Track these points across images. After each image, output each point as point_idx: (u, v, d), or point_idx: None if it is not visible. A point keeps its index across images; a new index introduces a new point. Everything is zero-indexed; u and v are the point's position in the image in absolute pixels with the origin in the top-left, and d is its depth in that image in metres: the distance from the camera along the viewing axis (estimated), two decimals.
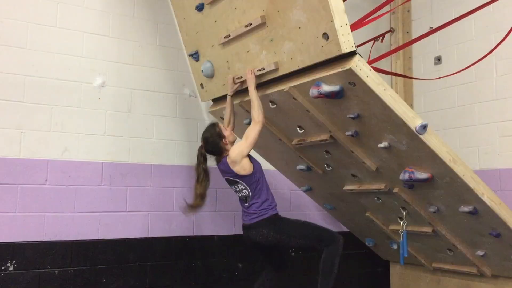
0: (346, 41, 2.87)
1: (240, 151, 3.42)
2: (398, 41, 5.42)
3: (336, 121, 3.46)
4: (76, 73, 4.08)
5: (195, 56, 4.13)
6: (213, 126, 3.60)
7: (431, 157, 3.24)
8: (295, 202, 4.99)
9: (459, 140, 4.86)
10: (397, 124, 3.12)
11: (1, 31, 3.83)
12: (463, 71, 4.34)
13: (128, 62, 4.32)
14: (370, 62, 4.16)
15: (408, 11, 5.46)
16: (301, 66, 3.21)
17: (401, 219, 3.99)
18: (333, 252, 3.48)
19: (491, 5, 4.10)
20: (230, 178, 3.53)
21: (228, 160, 3.45)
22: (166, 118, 4.45)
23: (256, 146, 4.43)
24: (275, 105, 3.65)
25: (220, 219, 4.56)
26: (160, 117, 4.43)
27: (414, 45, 5.15)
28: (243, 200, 3.55)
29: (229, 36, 3.64)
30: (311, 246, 3.52)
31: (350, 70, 2.90)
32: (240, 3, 3.48)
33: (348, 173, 3.95)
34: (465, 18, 4.03)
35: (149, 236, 4.26)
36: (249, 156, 3.50)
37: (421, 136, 3.11)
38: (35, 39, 3.94)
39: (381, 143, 3.36)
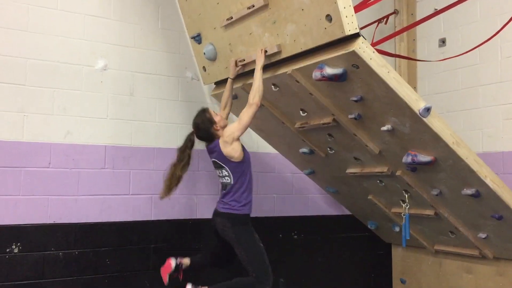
0: (350, 23, 2.84)
1: (231, 133, 3.41)
2: (402, 23, 5.37)
3: (339, 104, 3.45)
4: (77, 56, 4.06)
5: (197, 38, 4.11)
6: (203, 112, 3.58)
7: (434, 140, 3.23)
8: (298, 185, 5.00)
9: (462, 123, 4.84)
10: (401, 106, 3.11)
11: (2, 14, 3.80)
12: (467, 54, 4.30)
13: (130, 45, 4.30)
14: (373, 45, 4.13)
15: None
16: (304, 48, 3.18)
17: (404, 202, 4.00)
18: (251, 285, 3.39)
19: None
20: (217, 161, 3.51)
21: (221, 140, 3.44)
22: (168, 101, 4.44)
23: (259, 129, 4.45)
24: (277, 88, 3.63)
25: None
26: (162, 100, 4.42)
27: (418, 27, 5.10)
28: (223, 187, 3.55)
29: (232, 18, 3.61)
30: (246, 267, 3.42)
31: (354, 52, 2.88)
32: None
33: (351, 156, 3.95)
34: (470, 0, 3.98)
35: (152, 219, 4.28)
36: (242, 146, 3.49)
37: (424, 119, 3.10)
38: (36, 21, 3.92)
39: (384, 126, 3.35)
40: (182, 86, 4.50)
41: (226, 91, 3.78)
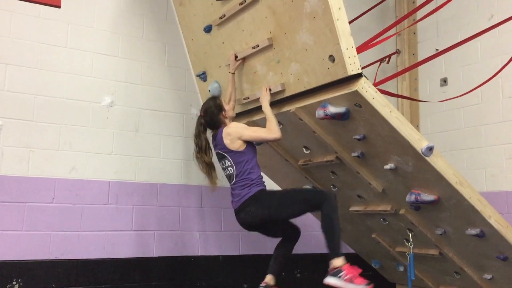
0: (352, 64, 2.89)
1: (240, 134, 3.35)
2: (404, 63, 5.46)
3: (342, 142, 3.47)
4: (85, 92, 4.14)
5: (203, 76, 4.18)
6: (214, 99, 3.56)
7: (437, 179, 3.23)
8: (301, 222, 4.94)
9: (466, 162, 4.85)
10: (403, 145, 3.13)
11: (13, 51, 3.90)
12: (469, 93, 4.35)
13: (136, 82, 4.38)
14: (376, 84, 4.19)
15: (414, 33, 5.50)
16: (308, 87, 3.23)
17: (408, 241, 3.97)
18: (328, 210, 3.20)
19: (497, 28, 4.13)
20: (220, 151, 3.45)
21: (224, 130, 3.39)
22: (173, 138, 4.48)
23: (262, 165, 4.45)
24: (281, 126, 3.66)
25: (226, 239, 4.55)
26: (167, 137, 4.46)
27: (420, 67, 5.18)
28: (228, 179, 3.47)
29: (236, 57, 3.69)
30: (304, 211, 3.33)
31: (356, 92, 2.92)
32: (248, 25, 3.54)
33: (354, 194, 3.94)
34: (470, 41, 4.06)
35: (154, 255, 4.25)
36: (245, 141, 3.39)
37: (427, 158, 3.11)
38: (46, 59, 4.01)
39: (387, 164, 3.36)
40: (187, 122, 4.55)
41: (229, 85, 3.74)
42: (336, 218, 3.22)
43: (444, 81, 5.18)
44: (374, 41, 4.09)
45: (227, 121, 3.50)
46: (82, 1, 4.19)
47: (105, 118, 4.20)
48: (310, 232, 5.01)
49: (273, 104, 3.58)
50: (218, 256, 4.50)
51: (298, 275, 4.87)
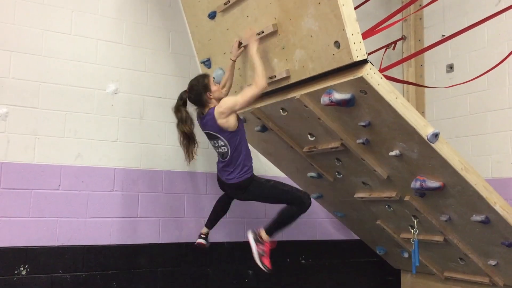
0: (358, 50, 2.88)
1: (232, 105, 3.34)
2: (410, 49, 5.42)
3: (347, 128, 3.47)
4: (89, 79, 4.14)
5: (207, 63, 4.16)
6: (203, 77, 3.54)
7: (442, 166, 3.22)
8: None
9: (471, 149, 4.83)
10: (409, 132, 3.12)
11: (17, 38, 3.90)
12: (475, 79, 4.32)
13: (141, 69, 4.37)
14: (381, 70, 4.16)
15: (420, 19, 5.45)
16: (313, 74, 3.22)
17: (412, 227, 3.97)
18: (297, 209, 3.53)
19: (504, 13, 4.08)
20: (211, 132, 3.45)
21: (216, 110, 3.37)
22: None
23: (267, 152, 4.46)
24: (286, 113, 3.66)
25: (231, 226, 4.56)
26: (171, 124, 4.42)
27: (426, 53, 5.14)
28: (221, 156, 3.52)
29: (241, 43, 3.67)
30: (281, 203, 3.57)
31: (361, 78, 2.91)
32: (252, 11, 3.51)
33: (359, 181, 3.95)
34: (477, 27, 4.02)
35: (160, 242, 4.28)
36: (237, 115, 3.45)
37: (432, 145, 3.10)
38: (50, 46, 4.01)
39: (392, 151, 3.35)
40: (191, 109, 4.54)
41: (228, 71, 3.73)
42: (295, 217, 3.56)
43: (450, 67, 5.15)
44: (380, 27, 4.06)
45: (212, 101, 3.46)
46: None
47: (109, 105, 4.21)
48: (315, 219, 5.04)
49: (278, 91, 3.58)
50: (223, 242, 4.52)
51: (303, 261, 4.90)
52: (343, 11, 2.84)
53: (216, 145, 3.49)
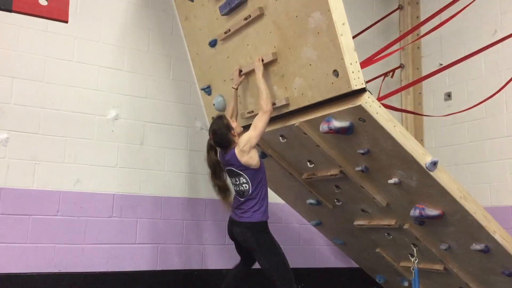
0: (356, 78, 2.91)
1: (248, 140, 3.33)
2: (408, 77, 5.47)
3: (346, 156, 3.48)
4: (90, 106, 4.17)
5: (207, 90, 4.20)
6: (220, 118, 3.53)
7: (441, 194, 3.22)
8: (305, 236, 4.96)
9: (470, 177, 4.84)
10: (407, 160, 3.13)
11: (20, 65, 3.94)
12: (473, 108, 4.35)
13: (141, 95, 4.41)
14: (380, 98, 4.20)
15: (418, 47, 5.52)
16: (312, 102, 3.25)
17: (412, 256, 3.95)
18: None
19: (500, 43, 4.15)
20: (234, 169, 3.42)
21: (237, 150, 3.36)
22: (177, 151, 4.50)
23: (267, 179, 4.46)
24: (285, 140, 3.68)
25: (229, 253, 4.52)
26: (171, 150, 4.48)
27: (424, 81, 5.19)
28: (240, 194, 3.44)
29: (241, 71, 3.71)
30: (269, 274, 3.36)
31: (360, 106, 2.94)
32: (252, 40, 3.57)
33: (358, 208, 3.94)
34: (474, 56, 4.07)
35: (157, 269, 4.24)
36: (258, 155, 3.43)
37: (431, 173, 3.11)
38: (52, 72, 4.05)
39: (391, 179, 3.36)
40: (191, 135, 4.57)
41: (232, 100, 3.75)
42: None
43: (448, 96, 5.19)
44: (378, 56, 4.11)
45: (236, 138, 3.45)
46: (89, 16, 4.24)
47: (110, 131, 4.23)
48: (314, 246, 5.01)
49: (277, 118, 3.61)
50: (222, 269, 4.48)
51: None
52: (342, 41, 2.89)
53: (237, 182, 3.45)
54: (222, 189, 3.49)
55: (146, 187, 4.32)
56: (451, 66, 4.11)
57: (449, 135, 5.11)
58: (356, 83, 2.91)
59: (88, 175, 4.09)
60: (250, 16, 3.48)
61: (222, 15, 3.69)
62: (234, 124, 3.51)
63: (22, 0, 2.60)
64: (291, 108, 3.44)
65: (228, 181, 3.52)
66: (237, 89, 3.73)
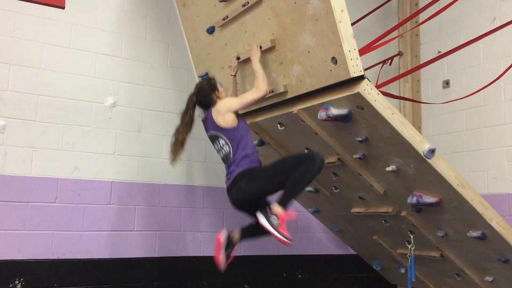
0: (355, 66, 2.91)
1: (229, 105, 3.30)
2: (407, 65, 5.46)
3: (344, 143, 3.48)
4: (88, 93, 4.15)
5: (205, 77, 4.18)
6: (209, 79, 3.53)
7: (439, 181, 3.24)
8: (302, 223, 4.98)
9: (467, 164, 4.85)
10: (405, 148, 3.14)
11: (17, 51, 3.92)
12: (471, 95, 4.35)
13: (139, 82, 4.39)
14: (378, 86, 4.19)
15: (417, 35, 5.50)
16: (310, 89, 3.24)
17: (409, 243, 3.97)
18: (309, 169, 3.07)
19: (499, 30, 4.13)
20: (212, 132, 3.39)
21: (214, 110, 3.35)
22: None
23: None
24: (283, 127, 3.68)
25: None
26: (169, 137, 4.42)
27: (423, 69, 5.18)
28: (225, 161, 3.37)
29: (239, 58, 3.70)
30: (294, 176, 3.08)
31: (358, 94, 2.93)
32: (250, 27, 3.55)
33: (356, 196, 3.95)
34: (473, 44, 4.06)
35: (156, 255, 4.26)
36: (239, 115, 3.37)
37: (429, 160, 3.12)
38: (49, 59, 4.02)
39: (389, 166, 3.37)
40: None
41: (230, 88, 3.72)
42: (309, 176, 3.10)
43: (447, 83, 5.18)
44: (377, 43, 4.10)
45: (218, 101, 3.40)
46: (85, 2, 4.21)
47: (107, 118, 4.21)
48: (312, 233, 5.03)
49: (275, 106, 3.60)
50: None
51: (299, 276, 4.88)
52: (340, 28, 2.88)
53: (218, 147, 3.38)
54: (177, 142, 3.39)
55: (144, 174, 4.31)
56: (449, 54, 4.10)
57: (447, 123, 5.12)
58: (355, 70, 2.91)
59: (86, 162, 4.09)
60: (248, 2, 3.45)
61: (220, 1, 3.66)
62: (221, 88, 3.48)
63: None
64: (290, 95, 3.43)
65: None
66: (235, 76, 3.72)
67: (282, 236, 2.98)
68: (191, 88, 4.53)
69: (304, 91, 3.29)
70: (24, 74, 3.92)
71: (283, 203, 3.08)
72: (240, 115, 3.43)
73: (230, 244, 3.34)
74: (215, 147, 3.44)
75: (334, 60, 2.98)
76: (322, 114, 3.19)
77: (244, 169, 3.21)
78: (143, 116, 4.37)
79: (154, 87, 4.45)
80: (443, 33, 5.26)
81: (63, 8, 2.76)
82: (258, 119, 3.79)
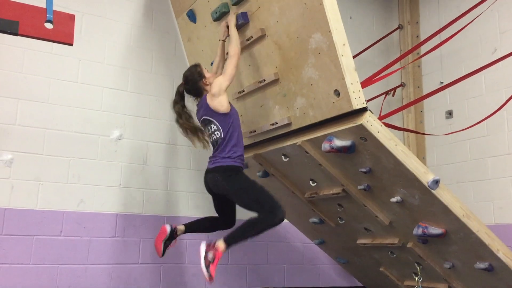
0: (357, 98, 2.95)
1: (219, 84, 3.35)
2: (409, 95, 5.51)
3: (348, 174, 3.49)
4: (94, 126, 4.20)
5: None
6: (195, 66, 3.57)
7: (444, 212, 3.23)
8: (308, 255, 4.94)
9: (473, 194, 4.84)
10: (409, 178, 3.14)
11: (25, 86, 3.99)
12: (474, 126, 4.38)
13: (144, 115, 4.45)
14: (381, 117, 4.23)
15: (419, 66, 5.57)
16: (313, 121, 3.28)
17: (416, 274, 3.93)
18: (266, 220, 3.22)
19: (500, 61, 4.18)
20: (205, 117, 3.43)
21: (208, 95, 3.40)
22: (180, 170, 4.52)
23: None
24: (288, 158, 3.70)
25: (232, 273, 4.53)
26: (174, 169, 4.50)
27: (425, 100, 5.22)
28: (214, 144, 3.45)
29: (243, 91, 3.75)
30: (253, 210, 3.26)
31: (361, 125, 2.96)
32: (254, 61, 3.62)
33: (361, 227, 3.93)
34: (475, 75, 4.11)
35: None
36: (230, 103, 3.44)
37: (433, 191, 3.12)
38: (57, 93, 4.09)
39: (393, 197, 3.37)
40: (194, 155, 4.59)
41: (218, 55, 3.75)
42: (262, 228, 3.25)
43: (450, 114, 5.22)
44: (379, 76, 4.15)
45: (208, 87, 3.47)
46: (93, 38, 4.30)
47: (113, 151, 4.25)
48: (317, 265, 4.99)
49: (280, 137, 3.63)
50: None
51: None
52: (342, 61, 2.93)
53: (210, 131, 3.45)
54: (191, 130, 3.51)
55: (149, 206, 4.32)
56: (451, 85, 4.14)
57: (451, 153, 5.12)
58: (357, 102, 2.95)
59: (92, 195, 4.10)
60: (252, 37, 3.53)
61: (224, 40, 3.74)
62: (208, 74, 3.53)
63: (29, 24, 2.66)
64: (293, 127, 3.47)
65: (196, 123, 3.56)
66: (224, 40, 3.73)
67: (207, 272, 3.12)
68: (196, 120, 4.63)
69: (308, 123, 3.33)
70: (32, 108, 3.98)
71: (229, 241, 3.23)
72: (231, 104, 3.48)
73: (172, 236, 3.48)
74: (206, 131, 3.53)
75: (336, 93, 3.02)
76: (326, 146, 3.21)
77: (229, 165, 3.33)
78: (148, 149, 4.41)
79: (159, 119, 4.51)
80: (445, 64, 5.32)
81: (72, 45, 2.83)
82: (263, 150, 3.81)
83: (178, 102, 3.57)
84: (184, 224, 3.59)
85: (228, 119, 3.38)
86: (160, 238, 3.45)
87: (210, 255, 3.14)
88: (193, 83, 3.51)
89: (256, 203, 3.27)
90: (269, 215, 3.22)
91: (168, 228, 3.46)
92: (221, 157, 3.35)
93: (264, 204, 3.25)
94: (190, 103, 3.65)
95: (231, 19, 3.56)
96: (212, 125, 3.41)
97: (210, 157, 3.47)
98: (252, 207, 3.29)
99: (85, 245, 4.00)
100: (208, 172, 3.45)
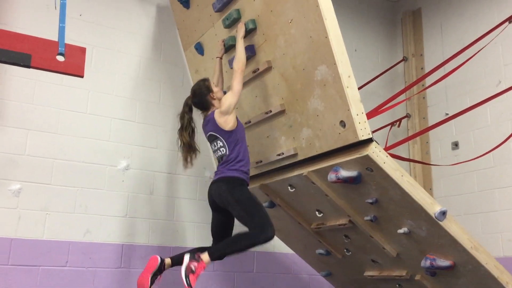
0: (363, 129, 2.97)
1: (229, 102, 3.37)
2: (415, 127, 5.52)
3: (354, 205, 3.48)
4: (102, 156, 4.24)
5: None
6: (203, 81, 3.60)
7: (452, 244, 3.20)
8: (315, 287, 4.88)
9: (481, 226, 4.79)
10: (416, 210, 3.13)
11: (35, 117, 4.05)
12: (481, 157, 4.37)
13: (152, 145, 4.49)
14: (387, 148, 4.24)
15: (424, 97, 5.60)
16: (319, 152, 3.30)
17: None
18: (254, 237, 3.21)
19: (505, 93, 4.21)
20: (212, 133, 3.45)
21: (216, 111, 3.42)
22: (187, 200, 4.52)
23: (275, 228, 4.44)
24: (294, 189, 3.70)
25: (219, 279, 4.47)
26: (181, 199, 4.51)
27: (431, 131, 5.24)
28: (219, 160, 3.46)
29: (249, 122, 3.79)
30: (247, 225, 3.25)
31: (367, 156, 2.98)
32: (261, 92, 3.67)
33: (368, 258, 3.90)
34: (480, 106, 4.13)
35: None
36: (236, 118, 3.46)
37: (440, 223, 3.10)
38: (66, 124, 4.15)
39: (400, 228, 3.35)
40: (201, 185, 4.60)
41: (217, 69, 3.81)
42: (249, 244, 3.24)
43: (456, 145, 5.22)
44: (384, 107, 4.19)
45: (215, 102, 3.50)
46: (103, 70, 4.39)
47: (120, 181, 4.28)
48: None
49: (286, 168, 3.64)
50: None
51: None
52: (348, 93, 2.97)
53: (216, 148, 3.47)
54: (186, 145, 3.51)
55: (155, 237, 4.32)
56: (457, 116, 4.16)
57: (458, 184, 5.10)
58: (363, 133, 2.97)
59: (98, 225, 4.11)
60: (258, 69, 3.59)
61: (232, 68, 3.81)
62: (215, 88, 3.56)
63: (41, 57, 2.71)
64: (299, 158, 3.49)
65: (197, 141, 3.59)
66: (221, 58, 3.80)
67: (187, 281, 3.09)
68: (202, 151, 4.54)
69: (314, 153, 3.35)
70: (41, 138, 4.03)
71: (214, 254, 3.24)
72: (237, 118, 3.50)
73: (160, 270, 3.36)
74: (211, 147, 3.55)
75: (342, 124, 3.05)
76: (332, 176, 3.22)
77: (235, 176, 3.34)
78: (155, 179, 4.43)
79: (166, 150, 4.54)
80: (450, 96, 5.35)
81: (82, 77, 2.88)
82: (269, 181, 3.82)
83: (187, 114, 3.60)
84: (170, 257, 3.42)
85: (233, 136, 3.42)
86: (148, 271, 3.31)
87: (193, 265, 3.13)
88: (200, 96, 3.55)
89: (248, 215, 3.25)
90: (257, 231, 3.21)
91: (159, 259, 3.34)
92: (227, 169, 3.37)
93: (256, 218, 3.23)
94: (198, 117, 3.69)
95: (239, 32, 3.56)
96: (218, 141, 3.44)
97: (216, 172, 3.48)
98: (244, 219, 3.29)
99: (90, 276, 3.98)
100: (213, 183, 3.46)
